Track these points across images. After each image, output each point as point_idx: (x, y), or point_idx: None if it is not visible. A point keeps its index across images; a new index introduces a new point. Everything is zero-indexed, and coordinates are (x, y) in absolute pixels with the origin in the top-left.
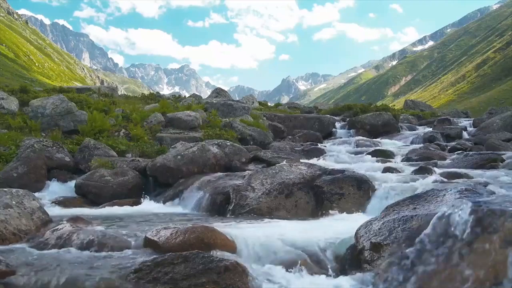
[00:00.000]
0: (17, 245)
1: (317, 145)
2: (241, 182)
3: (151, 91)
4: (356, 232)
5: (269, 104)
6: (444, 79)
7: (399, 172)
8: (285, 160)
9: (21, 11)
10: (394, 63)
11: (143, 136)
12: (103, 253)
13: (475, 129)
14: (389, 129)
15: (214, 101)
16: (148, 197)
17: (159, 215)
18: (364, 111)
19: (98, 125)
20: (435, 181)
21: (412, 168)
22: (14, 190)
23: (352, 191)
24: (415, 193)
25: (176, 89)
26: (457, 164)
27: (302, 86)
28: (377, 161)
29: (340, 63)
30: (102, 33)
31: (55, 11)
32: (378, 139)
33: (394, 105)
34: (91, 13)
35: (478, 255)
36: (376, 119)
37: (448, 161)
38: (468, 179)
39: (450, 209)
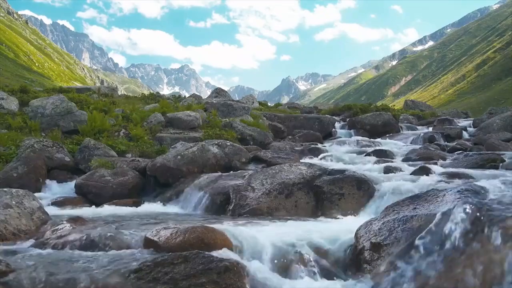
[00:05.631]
0: (17, 245)
1: (317, 145)
2: (241, 182)
3: (151, 91)
4: (356, 232)
5: (269, 104)
6: (444, 79)
7: (399, 172)
8: (285, 160)
9: (24, 12)
10: (394, 63)
11: (143, 136)
12: (103, 253)
13: (475, 129)
14: (389, 129)
15: (214, 101)
16: (148, 197)
17: (159, 215)
18: (364, 111)
19: (98, 125)
20: (435, 181)
21: (412, 168)
22: (14, 190)
23: (352, 191)
24: (415, 193)
25: (176, 89)
26: (457, 164)
27: (302, 86)
28: (377, 161)
29: (340, 63)
30: (104, 33)
31: (57, 12)
32: (378, 139)
33: (394, 105)
34: (93, 14)
35: (477, 255)
36: (376, 119)
37: (448, 161)
38: (468, 179)
39: (450, 209)
